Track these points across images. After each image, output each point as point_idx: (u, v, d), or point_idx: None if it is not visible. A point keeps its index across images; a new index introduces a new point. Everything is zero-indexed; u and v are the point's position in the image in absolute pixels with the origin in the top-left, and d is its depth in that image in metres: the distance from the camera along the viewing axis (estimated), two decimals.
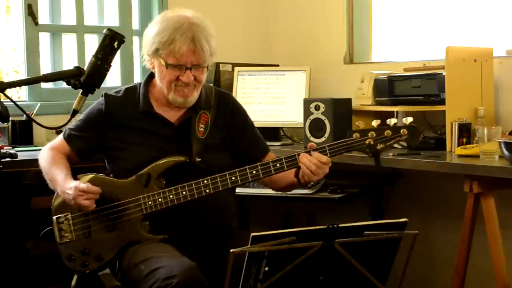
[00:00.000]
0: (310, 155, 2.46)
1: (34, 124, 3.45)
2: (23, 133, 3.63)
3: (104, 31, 2.37)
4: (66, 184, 2.52)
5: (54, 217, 2.60)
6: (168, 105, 2.62)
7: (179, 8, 2.58)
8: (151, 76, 2.66)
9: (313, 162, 2.44)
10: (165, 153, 2.55)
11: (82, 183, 2.49)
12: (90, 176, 2.62)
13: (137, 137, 2.60)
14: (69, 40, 4.01)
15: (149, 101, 2.62)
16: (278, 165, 2.49)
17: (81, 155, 2.67)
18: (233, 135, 2.67)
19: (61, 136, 2.70)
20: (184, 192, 2.49)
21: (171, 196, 2.50)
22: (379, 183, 3.68)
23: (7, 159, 3.18)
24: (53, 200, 2.63)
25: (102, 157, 2.70)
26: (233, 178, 2.49)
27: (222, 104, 2.69)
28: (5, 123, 2.33)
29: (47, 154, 2.66)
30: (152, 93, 2.64)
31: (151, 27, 2.57)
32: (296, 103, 3.76)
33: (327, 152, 2.47)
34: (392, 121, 2.45)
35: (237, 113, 2.72)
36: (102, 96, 2.68)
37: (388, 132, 2.43)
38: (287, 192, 3.24)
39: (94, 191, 2.49)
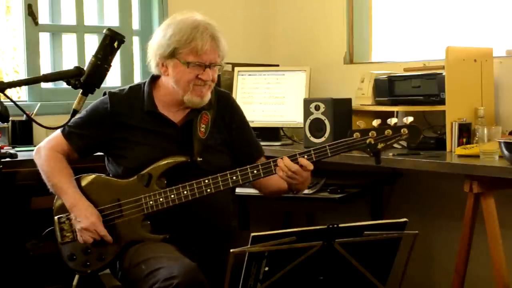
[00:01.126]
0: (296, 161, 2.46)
1: (34, 124, 3.45)
2: (23, 133, 3.63)
3: (104, 31, 2.37)
4: (83, 206, 2.53)
5: (56, 217, 2.60)
6: (173, 107, 2.62)
7: (186, 12, 2.59)
8: (154, 77, 2.66)
9: (292, 169, 2.45)
10: (167, 153, 2.56)
11: (101, 226, 2.50)
12: (92, 176, 2.62)
13: (140, 137, 2.60)
14: (69, 40, 4.01)
15: (154, 101, 2.62)
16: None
17: (81, 153, 2.67)
18: (232, 134, 2.68)
19: (58, 133, 2.66)
20: (185, 192, 2.49)
21: (172, 196, 2.50)
22: (379, 183, 3.68)
23: (7, 159, 3.18)
24: (54, 201, 2.63)
25: (102, 157, 2.70)
26: (234, 177, 2.49)
27: (221, 103, 2.70)
28: (5, 123, 2.33)
29: (47, 155, 2.64)
30: (156, 94, 2.64)
31: (161, 32, 2.57)
32: (296, 103, 3.76)
33: (327, 151, 2.47)
34: (392, 121, 2.45)
35: (235, 113, 2.73)
36: (104, 95, 2.67)
37: (388, 132, 2.44)
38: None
39: (106, 240, 2.52)
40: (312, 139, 3.51)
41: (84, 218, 2.50)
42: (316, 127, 3.51)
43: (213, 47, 2.52)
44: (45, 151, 2.66)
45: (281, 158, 2.48)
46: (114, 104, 2.63)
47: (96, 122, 2.63)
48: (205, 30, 2.51)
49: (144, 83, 2.68)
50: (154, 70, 2.62)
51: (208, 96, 2.59)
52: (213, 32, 2.53)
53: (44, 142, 2.70)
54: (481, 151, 2.90)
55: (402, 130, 2.44)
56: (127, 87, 2.71)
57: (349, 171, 3.48)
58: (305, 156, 2.47)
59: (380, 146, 2.45)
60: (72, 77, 2.33)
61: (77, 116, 2.49)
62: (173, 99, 2.60)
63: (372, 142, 2.45)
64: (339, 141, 2.47)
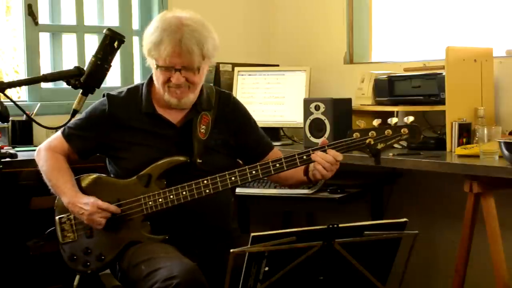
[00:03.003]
0: (326, 152, 2.45)
1: (34, 124, 3.45)
2: (23, 133, 3.63)
3: (104, 31, 2.37)
4: (78, 199, 2.53)
5: (57, 217, 2.61)
6: (169, 107, 2.62)
7: (180, 10, 2.56)
8: (153, 77, 2.66)
9: (328, 160, 2.44)
10: (166, 154, 2.55)
11: (100, 201, 2.50)
12: (92, 176, 2.62)
13: (139, 138, 2.59)
14: (69, 40, 4.01)
15: (152, 102, 2.62)
16: (277, 165, 2.49)
17: (80, 154, 2.66)
18: (236, 134, 2.67)
19: (59, 134, 2.66)
20: (184, 193, 2.49)
21: (171, 197, 2.50)
22: (379, 183, 3.68)
23: (7, 159, 3.18)
24: (56, 201, 2.63)
25: (103, 157, 2.70)
26: (233, 178, 2.49)
27: (222, 104, 2.68)
28: (5, 123, 2.33)
29: (47, 156, 2.64)
30: (155, 94, 2.63)
31: (148, 27, 2.56)
32: (296, 103, 3.76)
33: (326, 151, 2.46)
34: (393, 120, 2.44)
35: (238, 113, 2.72)
36: (103, 96, 2.67)
37: (388, 132, 2.43)
38: (287, 192, 3.26)
39: (112, 210, 2.51)
40: (312, 139, 3.51)
41: (84, 206, 2.50)
42: (316, 127, 3.52)
43: (176, 52, 2.44)
44: (45, 152, 2.66)
45: (313, 152, 2.46)
46: (112, 105, 2.62)
47: (95, 123, 2.63)
48: (174, 33, 2.44)
49: (143, 84, 2.67)
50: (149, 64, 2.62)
51: (188, 98, 2.55)
52: (184, 35, 2.44)
53: (44, 143, 2.70)
54: (481, 151, 2.90)
55: (402, 130, 2.43)
56: (125, 89, 2.70)
57: (349, 171, 3.47)
58: (304, 157, 2.47)
59: (380, 146, 2.44)
60: (72, 77, 2.33)
61: (77, 117, 2.49)
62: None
63: (372, 142, 2.44)
64: (338, 141, 2.47)
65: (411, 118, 2.44)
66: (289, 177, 2.64)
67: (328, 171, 2.46)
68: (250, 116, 2.75)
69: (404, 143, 3.29)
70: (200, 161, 2.56)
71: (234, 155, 2.69)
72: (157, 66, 2.50)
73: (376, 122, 2.45)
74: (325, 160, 2.45)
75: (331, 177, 3.38)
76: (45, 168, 2.63)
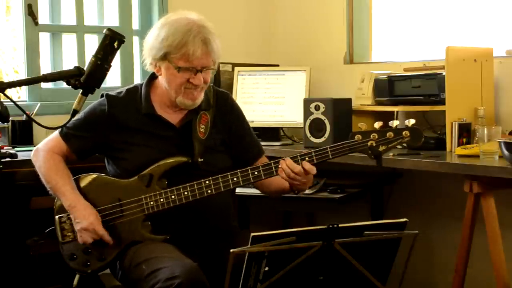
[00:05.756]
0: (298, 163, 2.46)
1: (34, 124, 3.45)
2: (23, 133, 3.63)
3: (104, 31, 2.37)
4: (80, 206, 2.52)
5: (57, 217, 2.60)
6: (170, 107, 2.61)
7: (181, 11, 2.57)
8: (152, 77, 2.66)
9: (296, 171, 2.45)
10: (166, 155, 2.55)
11: (99, 226, 2.49)
12: (92, 176, 2.62)
13: (139, 139, 2.59)
14: (69, 40, 4.01)
15: (151, 103, 2.62)
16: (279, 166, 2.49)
17: (78, 154, 2.66)
18: (231, 134, 2.68)
19: (57, 134, 2.65)
20: (186, 193, 2.49)
21: (173, 197, 2.50)
22: (379, 183, 3.68)
23: (7, 159, 3.18)
24: (55, 200, 2.62)
25: (102, 157, 2.70)
26: (235, 179, 2.49)
27: (220, 104, 2.69)
28: (5, 123, 2.33)
29: (45, 157, 2.63)
30: (154, 95, 2.63)
31: (155, 32, 2.55)
32: (296, 103, 3.76)
33: (329, 153, 2.47)
34: (394, 123, 2.45)
35: (235, 114, 2.72)
36: (102, 97, 2.67)
37: (390, 134, 2.43)
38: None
39: (105, 240, 2.51)
40: (312, 139, 3.51)
41: (83, 219, 2.50)
42: (316, 127, 3.51)
43: (204, 52, 2.49)
44: (42, 153, 2.65)
45: (283, 159, 2.47)
46: (112, 106, 2.62)
47: (94, 124, 2.63)
48: (197, 35, 2.48)
49: (141, 84, 2.67)
50: (148, 68, 2.62)
51: (200, 98, 2.58)
52: (206, 36, 2.50)
53: (41, 144, 2.69)
54: (481, 151, 2.90)
55: (403, 133, 2.44)
56: (124, 89, 2.70)
57: (349, 171, 3.48)
58: (306, 158, 2.47)
59: (381, 148, 2.45)
60: (72, 77, 2.33)
61: (75, 117, 2.48)
62: (168, 99, 2.59)
63: (374, 144, 2.45)
64: (341, 143, 2.47)
65: (412, 121, 2.45)
66: (274, 182, 2.63)
67: (294, 181, 2.46)
68: (245, 118, 2.76)
69: (405, 144, 3.30)
70: (201, 160, 2.56)
71: (232, 154, 2.69)
72: (178, 68, 2.50)
73: (377, 125, 2.45)
74: (291, 169, 2.44)
75: (331, 177, 3.41)
76: (43, 170, 2.62)
